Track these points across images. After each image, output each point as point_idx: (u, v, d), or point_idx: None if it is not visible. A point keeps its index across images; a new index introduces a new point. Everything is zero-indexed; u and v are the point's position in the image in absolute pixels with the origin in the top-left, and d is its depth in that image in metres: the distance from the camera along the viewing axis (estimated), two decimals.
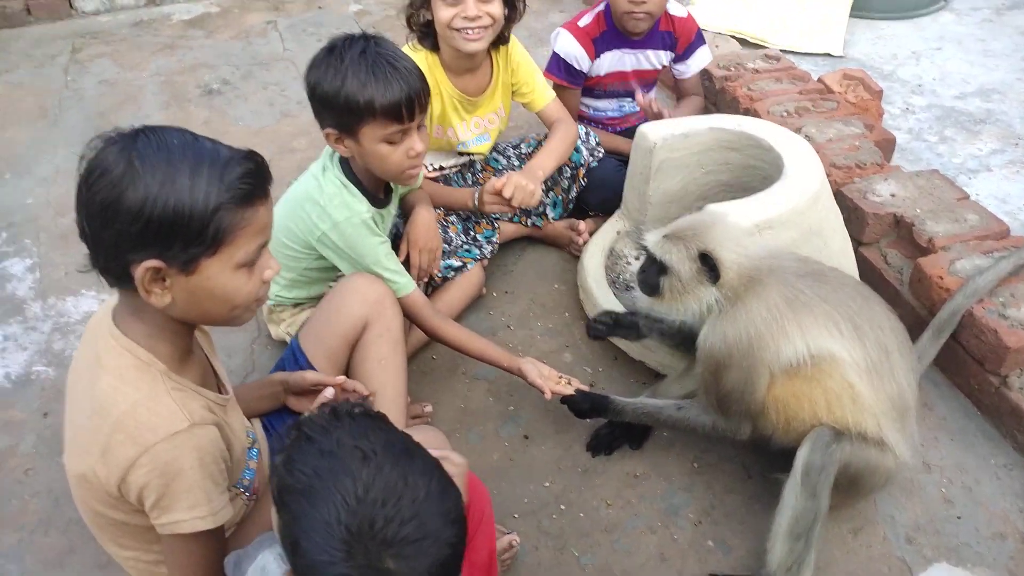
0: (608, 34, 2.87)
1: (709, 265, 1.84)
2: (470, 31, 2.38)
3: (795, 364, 1.79)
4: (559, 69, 2.91)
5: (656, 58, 2.97)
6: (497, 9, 2.40)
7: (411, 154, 2.02)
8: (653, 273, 1.93)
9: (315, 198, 2.10)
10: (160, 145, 1.29)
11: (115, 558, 1.62)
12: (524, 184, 2.42)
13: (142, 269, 1.29)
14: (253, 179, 1.34)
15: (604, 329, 2.28)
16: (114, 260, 1.31)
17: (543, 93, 2.71)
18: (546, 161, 2.60)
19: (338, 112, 1.96)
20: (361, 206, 2.09)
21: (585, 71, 2.91)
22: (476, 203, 2.52)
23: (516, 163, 2.86)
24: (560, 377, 2.16)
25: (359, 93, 1.92)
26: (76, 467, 1.44)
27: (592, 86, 2.99)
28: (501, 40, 2.57)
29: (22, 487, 2.16)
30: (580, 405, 2.13)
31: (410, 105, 1.95)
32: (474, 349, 2.19)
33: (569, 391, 2.13)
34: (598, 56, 2.89)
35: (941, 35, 4.22)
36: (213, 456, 1.42)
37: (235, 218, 1.32)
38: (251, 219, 1.34)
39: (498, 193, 2.43)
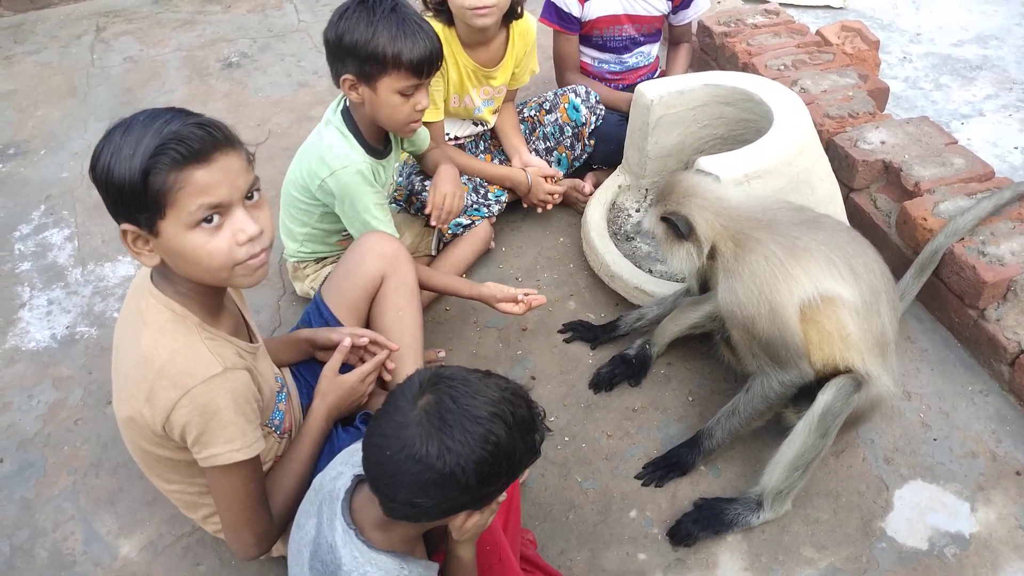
0: None
1: (672, 226, 1.95)
2: (481, 9, 2.49)
3: (807, 303, 1.87)
4: (551, 14, 2.96)
5: (650, 4, 2.97)
6: None
7: (418, 108, 2.14)
8: (650, 236, 2.12)
9: (317, 148, 2.22)
10: (130, 122, 1.37)
11: (162, 491, 1.77)
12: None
13: (120, 232, 1.41)
14: (179, 144, 1.34)
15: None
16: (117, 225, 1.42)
17: (524, 80, 2.90)
18: (522, 146, 2.89)
19: (362, 60, 2.05)
20: (357, 156, 2.20)
21: (576, 15, 2.93)
22: (530, 185, 2.81)
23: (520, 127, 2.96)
24: (522, 295, 2.26)
25: (388, 45, 2.02)
26: (124, 411, 1.57)
27: (589, 34, 3.01)
28: (513, 15, 2.66)
29: (72, 435, 2.31)
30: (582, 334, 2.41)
31: (431, 63, 2.08)
32: (438, 284, 2.32)
33: (524, 309, 2.24)
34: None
35: None
36: (245, 396, 1.54)
37: (168, 181, 1.34)
38: (186, 181, 1.35)
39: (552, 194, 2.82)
